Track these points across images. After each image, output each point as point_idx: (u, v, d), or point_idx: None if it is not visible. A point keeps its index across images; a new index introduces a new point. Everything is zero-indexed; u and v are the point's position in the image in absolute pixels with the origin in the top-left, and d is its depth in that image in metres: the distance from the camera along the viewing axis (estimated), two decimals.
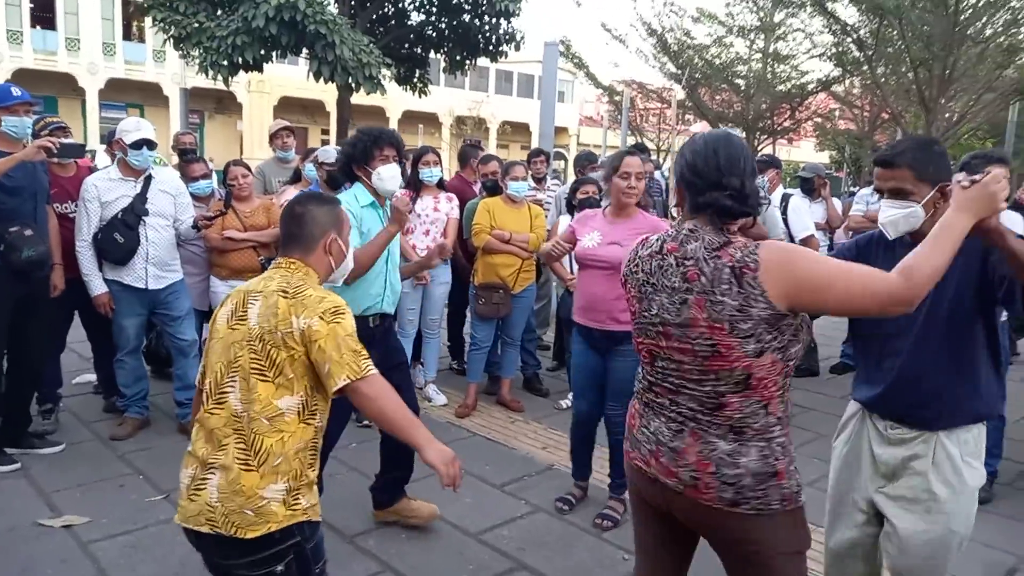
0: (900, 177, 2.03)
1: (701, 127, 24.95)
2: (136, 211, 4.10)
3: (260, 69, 12.33)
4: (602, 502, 3.63)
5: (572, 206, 4.73)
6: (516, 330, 5.18)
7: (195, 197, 4.60)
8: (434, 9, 14.10)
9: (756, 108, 18.85)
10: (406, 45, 14.65)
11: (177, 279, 4.33)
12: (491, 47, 14.10)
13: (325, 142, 22.17)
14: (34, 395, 4.18)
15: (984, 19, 12.29)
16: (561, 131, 36.84)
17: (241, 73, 12.37)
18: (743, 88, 18.99)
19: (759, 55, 19.27)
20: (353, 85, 11.88)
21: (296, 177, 5.33)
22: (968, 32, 12.17)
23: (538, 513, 3.59)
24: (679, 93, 18.63)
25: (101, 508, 3.42)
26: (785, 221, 5.00)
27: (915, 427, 2.07)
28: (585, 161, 6.74)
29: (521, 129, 36.43)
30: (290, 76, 25.81)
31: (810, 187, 6.12)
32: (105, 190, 4.09)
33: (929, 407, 2.04)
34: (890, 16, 11.70)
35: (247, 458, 1.84)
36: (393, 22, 14.47)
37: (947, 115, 13.65)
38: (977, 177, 1.72)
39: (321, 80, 11.72)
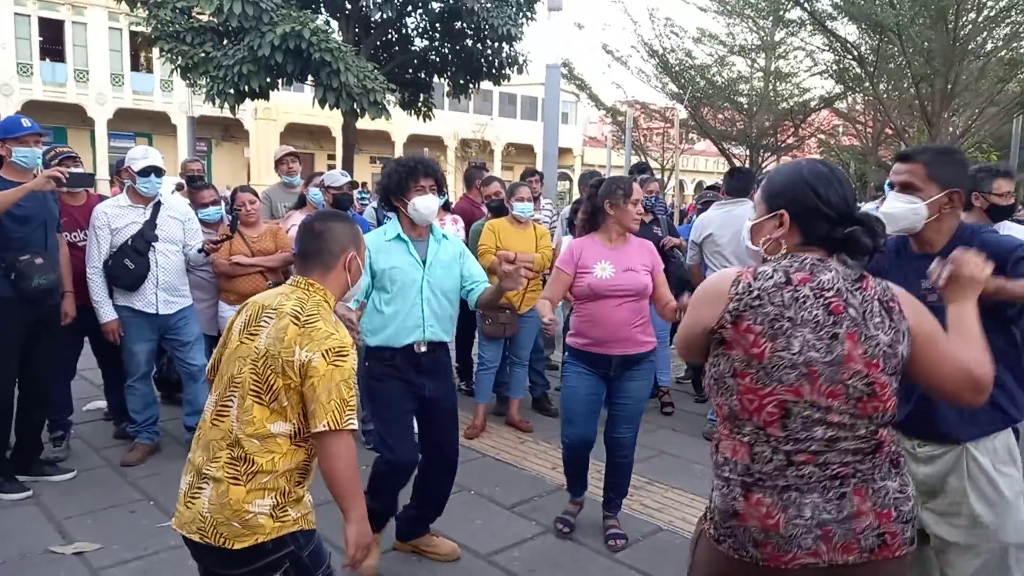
0: (912, 171, 2.04)
1: (705, 146, 25.06)
2: (146, 237, 4.15)
3: (266, 97, 12.47)
4: (598, 518, 3.62)
5: (573, 224, 4.76)
6: (524, 350, 5.18)
7: (204, 223, 4.65)
8: (437, 35, 14.27)
9: (759, 126, 18.90)
10: (410, 70, 14.80)
11: (187, 304, 4.36)
12: (494, 71, 14.23)
13: (331, 167, 22.35)
14: (45, 422, 4.20)
15: (984, 34, 12.34)
16: (565, 152, 37.04)
17: (247, 101, 12.51)
18: (745, 106, 19.05)
19: (761, 74, 19.37)
20: (358, 111, 12.00)
21: (301, 202, 5.38)
22: (969, 47, 12.21)
23: (548, 534, 3.58)
24: (682, 112, 18.70)
25: (112, 534, 3.43)
26: None
27: (942, 443, 2.05)
28: (590, 179, 6.78)
29: (525, 151, 36.66)
30: (296, 103, 26.09)
31: None
32: (115, 217, 4.14)
33: (950, 420, 2.02)
34: (890, 33, 11.76)
35: (236, 472, 1.86)
36: (397, 48, 14.63)
37: (950, 129, 13.65)
38: (944, 274, 1.73)
39: (327, 106, 11.84)
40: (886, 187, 2.15)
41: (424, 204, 3.07)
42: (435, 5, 13.37)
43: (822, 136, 22.82)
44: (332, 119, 21.71)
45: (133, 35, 26.48)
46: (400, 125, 27.35)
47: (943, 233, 2.10)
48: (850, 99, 19.46)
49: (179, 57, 11.74)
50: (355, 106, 11.75)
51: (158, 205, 4.25)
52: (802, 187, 1.63)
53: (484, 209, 5.68)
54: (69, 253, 4.15)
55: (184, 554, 3.17)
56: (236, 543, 1.85)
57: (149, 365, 4.41)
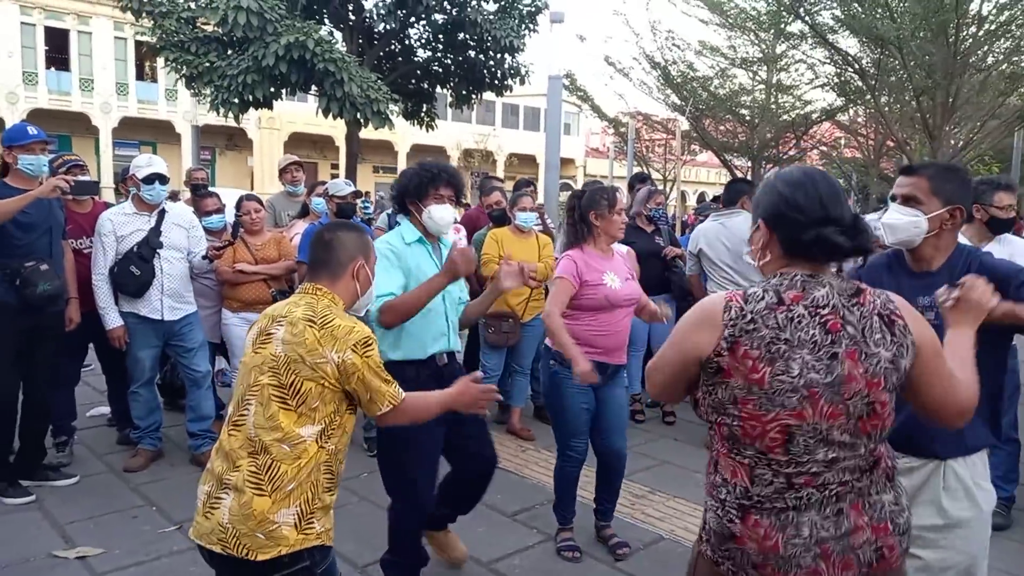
0: (916, 185, 2.05)
1: (707, 157, 25.11)
2: (151, 244, 4.17)
3: (270, 106, 12.56)
4: (590, 526, 3.61)
5: None
6: (526, 359, 5.20)
7: (208, 231, 4.68)
8: (440, 46, 14.37)
9: (761, 137, 18.97)
10: (413, 81, 14.89)
11: (191, 311, 4.39)
12: (497, 81, 14.32)
13: (335, 176, 22.42)
14: (48, 428, 4.21)
15: (985, 47, 12.41)
16: (568, 162, 37.16)
17: (251, 110, 12.59)
18: (747, 118, 19.13)
19: (762, 86, 19.45)
20: (362, 120, 12.08)
21: (305, 211, 5.41)
22: (970, 60, 12.28)
23: (549, 542, 3.58)
24: (684, 124, 18.78)
25: (114, 539, 3.44)
26: None
27: (923, 456, 2.04)
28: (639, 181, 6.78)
29: (528, 161, 36.77)
30: (300, 112, 26.21)
31: None
32: (120, 224, 4.17)
33: (941, 440, 2.00)
34: (891, 46, 11.82)
35: (259, 482, 1.86)
36: (400, 59, 14.73)
37: (952, 142, 13.70)
38: (956, 294, 1.73)
39: (330, 116, 11.92)
40: (888, 199, 2.17)
41: (440, 214, 2.95)
42: (438, 17, 13.47)
43: (824, 148, 22.89)
44: (335, 129, 21.84)
45: (138, 44, 26.60)
46: (403, 135, 27.48)
47: (941, 250, 2.10)
48: (852, 111, 19.54)
49: (184, 66, 11.83)
50: (358, 116, 11.83)
51: (163, 213, 4.28)
52: (773, 193, 1.60)
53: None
54: (75, 260, 4.19)
55: (185, 559, 3.20)
56: (259, 554, 1.84)
57: (153, 371, 4.43)
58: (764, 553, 1.52)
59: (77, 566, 3.21)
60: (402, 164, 30.60)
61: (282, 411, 1.89)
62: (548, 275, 5.05)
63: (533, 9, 13.67)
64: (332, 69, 11.14)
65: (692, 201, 37.77)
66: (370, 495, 3.88)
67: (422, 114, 15.06)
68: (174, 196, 7.07)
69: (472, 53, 14.00)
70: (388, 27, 13.57)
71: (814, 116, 18.82)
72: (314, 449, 1.91)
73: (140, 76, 29.49)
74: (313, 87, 12.08)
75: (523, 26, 13.55)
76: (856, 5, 12.54)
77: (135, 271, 4.13)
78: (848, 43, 14.37)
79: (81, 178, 4.26)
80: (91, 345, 4.67)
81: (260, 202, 4.95)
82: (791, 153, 20.58)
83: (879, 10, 11.91)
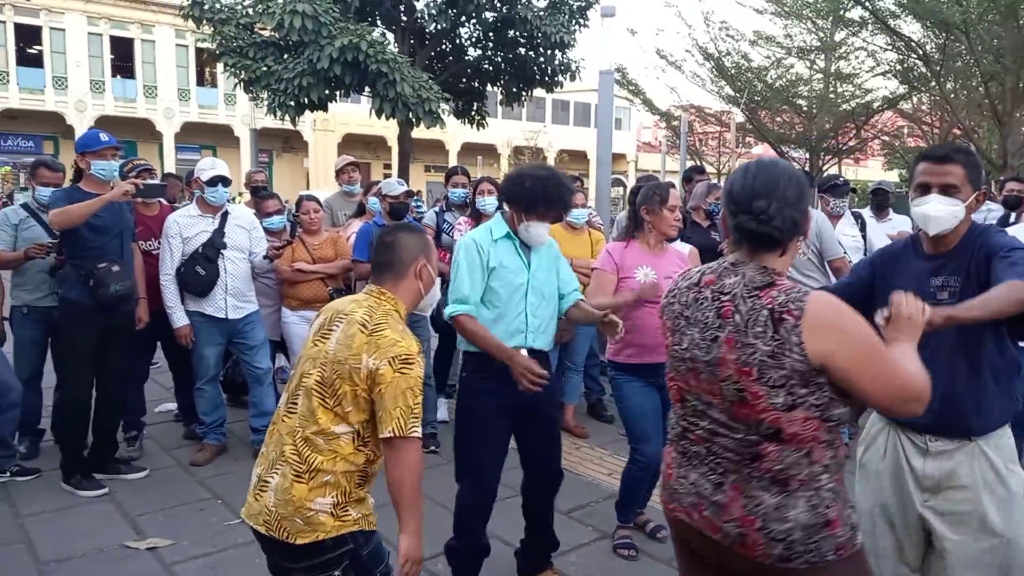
0: (955, 174, 2.05)
1: (763, 150, 24.60)
2: (215, 245, 4.31)
3: (325, 108, 12.76)
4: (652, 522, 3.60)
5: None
6: (579, 356, 5.19)
7: (268, 232, 4.80)
8: (491, 44, 14.39)
9: (819, 128, 18.50)
10: (464, 80, 14.96)
11: (253, 310, 4.51)
12: (547, 78, 14.26)
13: (387, 175, 22.71)
14: (120, 423, 4.39)
15: None
16: (619, 158, 36.88)
17: (307, 112, 12.83)
18: (805, 109, 18.68)
19: (820, 75, 18.97)
20: (414, 120, 12.18)
21: (360, 210, 5.49)
22: None
23: (605, 539, 3.57)
24: (738, 116, 18.45)
25: (182, 531, 3.56)
26: (864, 239, 4.96)
27: (955, 437, 2.04)
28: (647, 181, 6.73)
29: (579, 157, 36.62)
30: (353, 114, 26.64)
31: (882, 203, 5.94)
32: (186, 226, 4.31)
33: (967, 416, 2.02)
34: (956, 31, 11.39)
35: (300, 470, 1.93)
36: (451, 58, 14.81)
37: (1023, 129, 13.13)
38: (886, 313, 1.73)
39: (383, 117, 12.06)
40: (914, 189, 2.13)
41: (537, 231, 2.93)
42: (488, 15, 13.49)
43: (886, 138, 22.21)
44: (388, 129, 22.09)
45: (199, 51, 27.47)
46: (454, 134, 27.66)
47: (959, 232, 2.12)
48: (915, 99, 18.89)
49: (242, 71, 12.12)
50: (410, 116, 11.93)
51: (226, 214, 4.41)
52: (727, 182, 1.76)
53: None
54: (143, 261, 4.35)
55: (250, 551, 3.29)
56: (298, 538, 1.91)
57: (217, 368, 4.57)
58: (665, 479, 1.83)
59: (148, 557, 3.34)
60: (452, 162, 30.80)
61: (320, 407, 1.94)
62: None
63: (583, 4, 13.56)
64: (385, 70, 11.27)
65: None
66: (428, 492, 3.92)
67: (473, 112, 15.11)
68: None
69: (522, 50, 13.98)
70: (439, 27, 13.66)
71: (875, 105, 18.27)
72: (349, 449, 1.94)
73: (200, 82, 30.42)
74: (366, 88, 12.23)
75: (573, 21, 13.46)
76: None
77: (200, 271, 4.26)
78: (911, 28, 13.91)
79: (150, 182, 4.42)
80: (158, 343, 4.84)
81: (319, 202, 5.05)
82: (851, 144, 20.02)
83: None
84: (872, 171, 31.14)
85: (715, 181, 5.82)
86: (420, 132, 14.00)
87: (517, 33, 13.37)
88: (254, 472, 2.05)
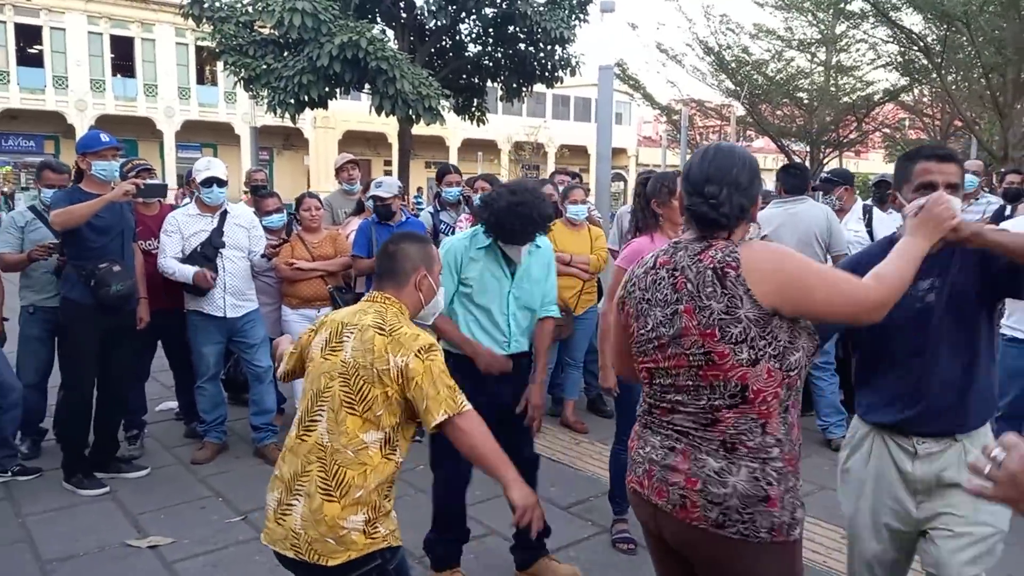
0: (956, 173, 2.06)
1: (763, 143, 24.56)
2: (214, 244, 4.32)
3: (325, 105, 12.77)
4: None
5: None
6: (579, 351, 5.19)
7: (268, 230, 4.80)
8: (490, 40, 14.38)
9: (820, 121, 18.47)
10: (464, 76, 14.95)
11: (253, 308, 4.52)
12: (547, 73, 14.25)
13: (388, 172, 22.72)
14: (121, 422, 4.41)
15: None
16: (620, 152, 36.85)
17: (307, 110, 12.83)
18: (805, 102, 18.65)
19: (821, 68, 18.93)
20: (414, 117, 12.18)
21: (360, 208, 5.50)
22: None
23: (604, 534, 3.58)
24: (738, 109, 18.42)
25: (183, 529, 3.58)
26: (870, 234, 4.94)
27: (942, 438, 2.05)
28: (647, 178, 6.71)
29: (579, 152, 36.57)
30: (353, 111, 26.63)
31: (885, 196, 5.91)
32: (185, 224, 4.32)
33: (953, 415, 2.03)
34: (958, 22, 11.35)
35: (329, 488, 1.90)
36: (451, 54, 14.80)
37: None
38: (922, 201, 1.76)
39: (383, 113, 12.07)
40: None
41: (512, 252, 2.98)
42: (488, 11, 13.47)
43: (887, 130, 22.15)
44: (388, 126, 22.12)
45: (199, 50, 27.47)
46: (454, 130, 27.69)
47: None
48: (916, 92, 18.85)
49: (242, 69, 12.13)
50: (411, 112, 11.94)
51: (224, 213, 4.42)
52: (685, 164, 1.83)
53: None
54: (144, 261, 4.36)
55: (251, 549, 3.32)
56: (331, 560, 1.89)
57: (218, 367, 4.58)
58: (630, 450, 1.90)
59: (149, 555, 3.35)
60: (453, 159, 30.80)
61: (349, 416, 1.92)
62: (601, 267, 5.04)
63: None
64: (385, 67, 11.27)
65: None
66: (427, 487, 3.93)
67: (473, 108, 15.11)
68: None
69: (522, 46, 13.98)
70: (439, 23, 13.65)
71: (876, 97, 18.24)
72: (378, 459, 1.93)
73: (201, 80, 30.44)
74: (366, 85, 12.24)
75: (573, 17, 13.45)
76: None
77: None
78: (912, 20, 13.87)
79: (150, 181, 4.43)
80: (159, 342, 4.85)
81: (320, 200, 5.06)
82: (852, 136, 19.97)
83: None
84: (873, 164, 31.09)
85: None
86: (420, 128, 14.00)
87: (517, 29, 13.36)
88: (270, 496, 2.02)
